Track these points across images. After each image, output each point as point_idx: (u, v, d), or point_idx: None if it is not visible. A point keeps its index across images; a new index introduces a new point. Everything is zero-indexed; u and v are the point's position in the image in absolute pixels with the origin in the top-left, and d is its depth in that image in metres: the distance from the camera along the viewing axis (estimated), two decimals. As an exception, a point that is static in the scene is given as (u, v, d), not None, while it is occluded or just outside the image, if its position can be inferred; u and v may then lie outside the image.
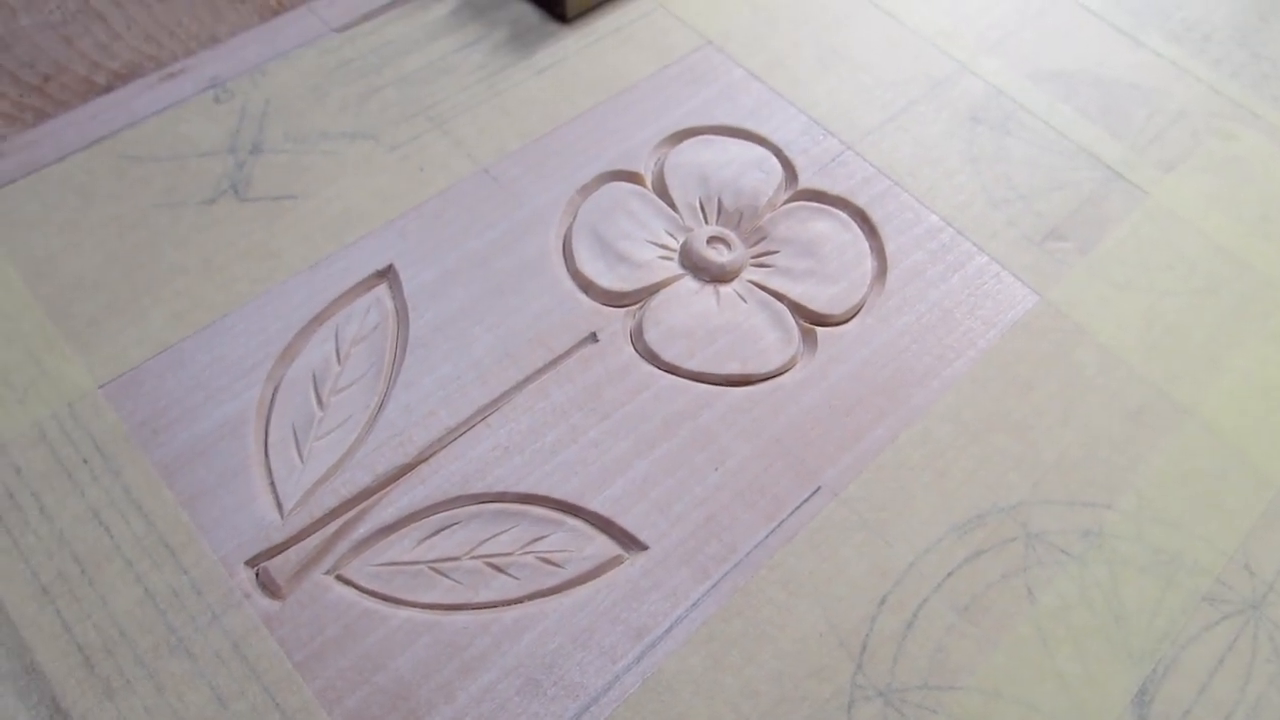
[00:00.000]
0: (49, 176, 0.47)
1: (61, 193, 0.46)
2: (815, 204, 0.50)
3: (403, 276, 0.45)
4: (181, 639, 0.35)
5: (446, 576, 0.37)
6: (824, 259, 0.48)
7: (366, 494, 0.39)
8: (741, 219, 0.49)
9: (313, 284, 0.44)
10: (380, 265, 0.45)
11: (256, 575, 0.37)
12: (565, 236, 0.48)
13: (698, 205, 0.49)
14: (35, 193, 0.46)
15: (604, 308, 0.45)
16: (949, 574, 0.39)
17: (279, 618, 0.36)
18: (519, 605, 0.37)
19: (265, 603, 0.36)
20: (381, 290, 0.45)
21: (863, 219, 0.50)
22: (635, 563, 0.38)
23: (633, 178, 0.50)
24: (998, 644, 0.38)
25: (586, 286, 0.46)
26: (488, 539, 0.39)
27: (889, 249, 0.48)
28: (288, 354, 0.43)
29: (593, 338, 0.44)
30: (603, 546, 0.39)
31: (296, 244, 0.46)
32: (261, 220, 0.46)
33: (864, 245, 0.49)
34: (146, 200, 0.46)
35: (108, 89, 0.51)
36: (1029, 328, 0.46)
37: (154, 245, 0.45)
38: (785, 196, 0.50)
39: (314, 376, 0.42)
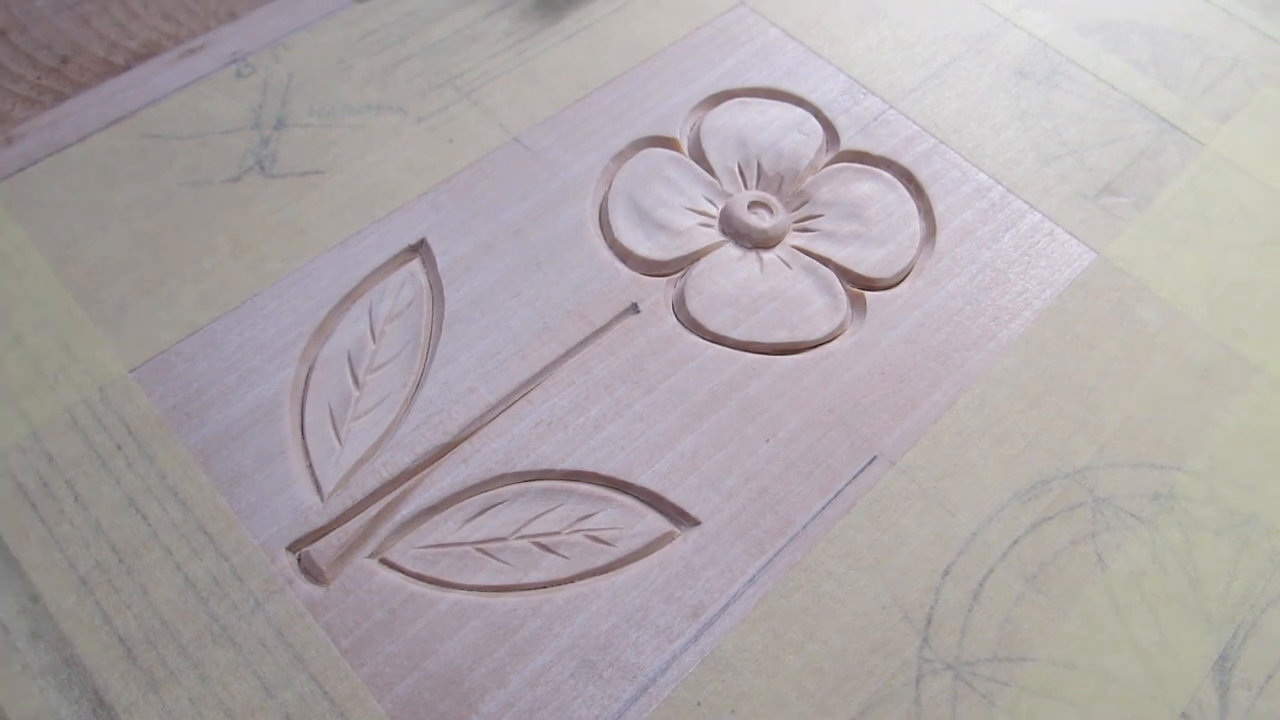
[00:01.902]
0: (70, 157, 0.46)
1: (84, 174, 0.45)
2: (858, 165, 0.48)
3: (436, 251, 0.44)
4: (225, 627, 0.34)
5: (494, 558, 0.36)
6: (870, 221, 0.46)
7: (407, 475, 0.38)
8: (782, 183, 0.47)
9: (344, 261, 0.43)
10: (413, 240, 0.44)
11: (298, 560, 0.36)
12: (601, 205, 0.46)
13: (736, 170, 0.48)
14: (57, 174, 0.45)
15: (644, 277, 0.44)
16: (1014, 542, 0.38)
17: (323, 604, 0.35)
18: (569, 585, 0.36)
19: (308, 588, 0.35)
20: (415, 265, 0.44)
21: (908, 179, 0.48)
22: (688, 539, 0.37)
23: (668, 143, 0.48)
24: (1069, 613, 0.36)
25: (625, 256, 0.44)
26: (534, 518, 0.37)
27: (937, 209, 0.47)
28: (321, 333, 0.41)
29: (634, 308, 0.42)
30: (653, 523, 0.37)
31: (326, 220, 0.44)
32: (289, 196, 0.45)
33: (911, 206, 0.47)
34: (171, 179, 0.45)
35: (126, 69, 0.50)
36: (1087, 286, 0.45)
37: (180, 225, 0.44)
38: (827, 158, 0.49)
39: (349, 355, 0.41)
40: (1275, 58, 0.54)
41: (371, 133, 0.48)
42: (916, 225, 0.46)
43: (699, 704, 0.34)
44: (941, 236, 0.46)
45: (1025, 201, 0.47)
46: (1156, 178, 0.49)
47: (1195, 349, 0.43)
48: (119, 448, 0.38)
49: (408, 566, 0.36)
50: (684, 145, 0.49)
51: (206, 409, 0.39)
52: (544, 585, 0.36)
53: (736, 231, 0.45)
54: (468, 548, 0.36)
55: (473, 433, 0.39)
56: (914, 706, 0.34)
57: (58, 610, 0.34)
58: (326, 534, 0.36)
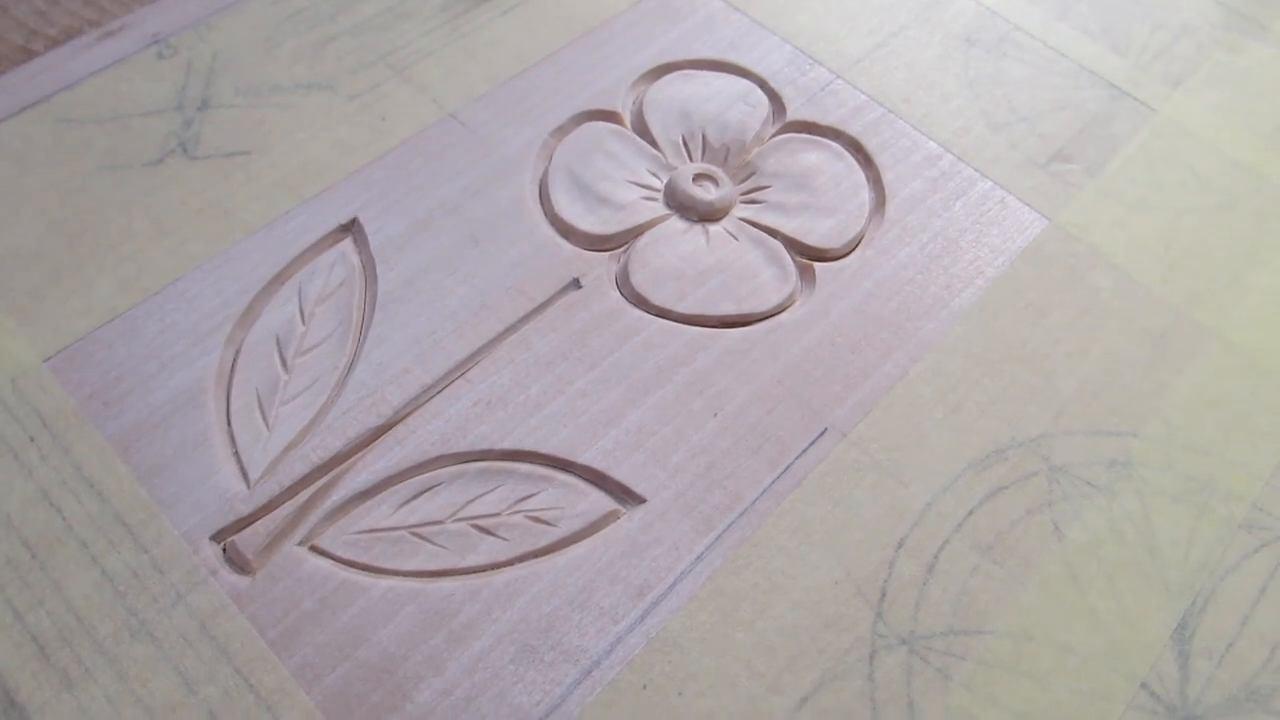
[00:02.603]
0: (-18, 143, 0.44)
1: (-3, 159, 0.43)
2: (806, 135, 0.47)
3: (368, 230, 0.42)
4: (144, 622, 0.32)
5: (430, 541, 0.35)
6: (818, 192, 0.45)
7: (339, 459, 0.36)
8: (728, 154, 0.46)
9: (271, 242, 0.41)
10: (344, 219, 0.42)
11: (223, 550, 0.34)
12: (541, 181, 0.45)
13: (681, 142, 0.46)
14: (-31, 160, 0.43)
15: (586, 252, 0.42)
16: (969, 513, 0.36)
17: (249, 594, 0.33)
18: (509, 568, 0.34)
19: (234, 579, 0.33)
20: (346, 245, 0.42)
21: (857, 149, 0.47)
22: (633, 517, 0.36)
23: (610, 117, 0.47)
24: (1026, 584, 0.35)
25: (566, 231, 0.43)
26: (473, 500, 0.36)
27: (886, 178, 0.46)
28: (247, 316, 0.40)
29: (575, 284, 0.41)
30: (597, 502, 0.36)
31: (252, 201, 0.43)
32: (213, 179, 0.43)
33: (859, 175, 0.46)
34: (88, 164, 0.43)
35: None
36: (1039, 253, 0.44)
37: (97, 210, 0.42)
38: (773, 129, 0.47)
39: (277, 339, 0.39)
40: (1225, 23, 0.53)
41: (300, 112, 0.46)
42: (865, 195, 0.45)
43: (645, 686, 0.32)
44: (891, 206, 0.45)
45: (975, 169, 0.46)
46: (1108, 144, 0.48)
47: (1150, 315, 0.42)
48: (32, 439, 0.36)
49: (339, 553, 0.34)
50: (626, 119, 0.47)
51: (125, 397, 0.37)
52: (483, 568, 0.34)
53: (681, 204, 0.44)
54: (402, 532, 0.35)
55: (408, 414, 0.37)
56: (868, 683, 0.33)
57: (-35, 608, 0.32)
58: (253, 522, 0.35)
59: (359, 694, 0.32)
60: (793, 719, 0.32)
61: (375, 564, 0.34)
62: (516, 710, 0.32)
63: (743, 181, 0.45)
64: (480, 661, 0.32)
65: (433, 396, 0.38)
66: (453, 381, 0.38)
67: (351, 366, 0.38)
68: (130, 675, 0.31)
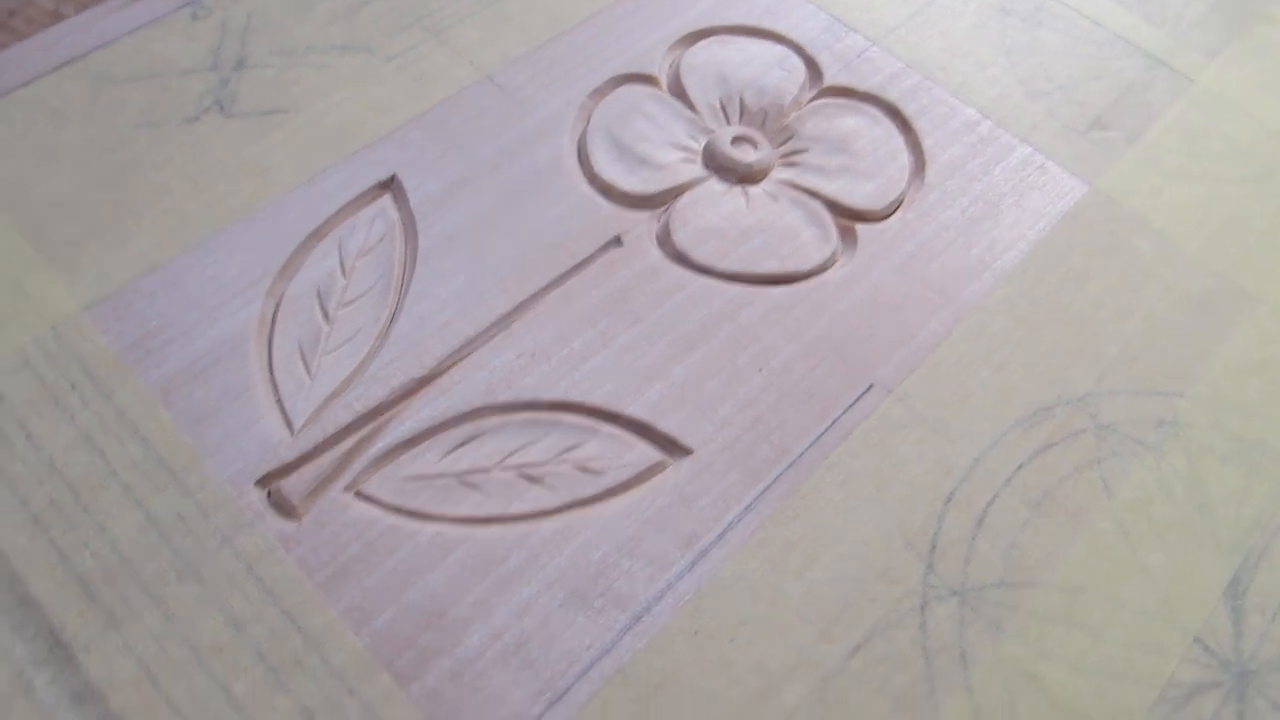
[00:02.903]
0: (16, 101, 0.43)
1: (31, 117, 0.43)
2: (843, 100, 0.47)
3: (408, 187, 0.42)
4: (189, 564, 0.32)
5: (476, 489, 0.34)
6: (857, 155, 0.44)
7: (383, 408, 0.36)
8: (766, 118, 0.46)
9: (310, 198, 0.41)
10: (382, 176, 0.42)
11: (268, 495, 0.34)
12: (580, 141, 0.44)
13: (718, 106, 0.46)
14: (3, 118, 0.43)
15: (626, 211, 0.42)
16: (1018, 468, 0.36)
17: (295, 538, 0.33)
18: (557, 515, 0.34)
19: (279, 523, 0.33)
20: (385, 202, 0.42)
21: (895, 114, 0.46)
22: (680, 468, 0.35)
23: (647, 80, 0.47)
24: (1076, 539, 0.35)
25: (606, 190, 0.42)
26: (518, 449, 0.35)
27: (925, 143, 0.45)
28: (288, 269, 0.39)
29: (617, 241, 0.41)
30: (643, 453, 0.36)
31: (290, 159, 0.42)
32: (251, 136, 0.43)
33: (898, 140, 0.45)
34: (124, 121, 0.43)
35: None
36: (1080, 218, 0.43)
37: (135, 166, 0.42)
38: (811, 94, 0.47)
39: (318, 291, 0.39)
40: (1260, -4, 0.53)
41: (337, 73, 0.46)
42: (905, 159, 0.45)
43: (696, 632, 0.32)
44: (931, 170, 0.44)
45: (1015, 136, 0.46)
46: (1145, 113, 0.48)
47: (1192, 279, 0.42)
48: (73, 386, 0.35)
49: (385, 499, 0.34)
50: (663, 82, 0.47)
51: (167, 346, 0.37)
52: (530, 516, 0.34)
53: (721, 166, 0.44)
54: (449, 479, 0.34)
55: (451, 365, 0.37)
56: (919, 632, 0.33)
57: (10, 549, 0.32)
58: (298, 468, 0.34)
59: (407, 636, 0.31)
60: (845, 666, 0.32)
61: (422, 510, 0.34)
62: (567, 654, 0.31)
63: (781, 145, 0.45)
64: (529, 607, 0.32)
65: (476, 349, 0.37)
66: (496, 335, 0.38)
67: (393, 319, 0.38)
68: (177, 615, 0.31)
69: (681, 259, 0.41)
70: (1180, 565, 0.35)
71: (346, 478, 0.34)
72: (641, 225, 0.41)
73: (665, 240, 0.41)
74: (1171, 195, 0.45)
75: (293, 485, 0.34)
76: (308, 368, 0.37)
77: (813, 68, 0.48)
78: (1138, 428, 0.38)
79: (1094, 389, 0.38)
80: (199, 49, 0.46)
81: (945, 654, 0.32)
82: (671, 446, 0.36)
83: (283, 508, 0.34)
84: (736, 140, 0.44)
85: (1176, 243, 0.43)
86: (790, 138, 0.45)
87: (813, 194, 0.43)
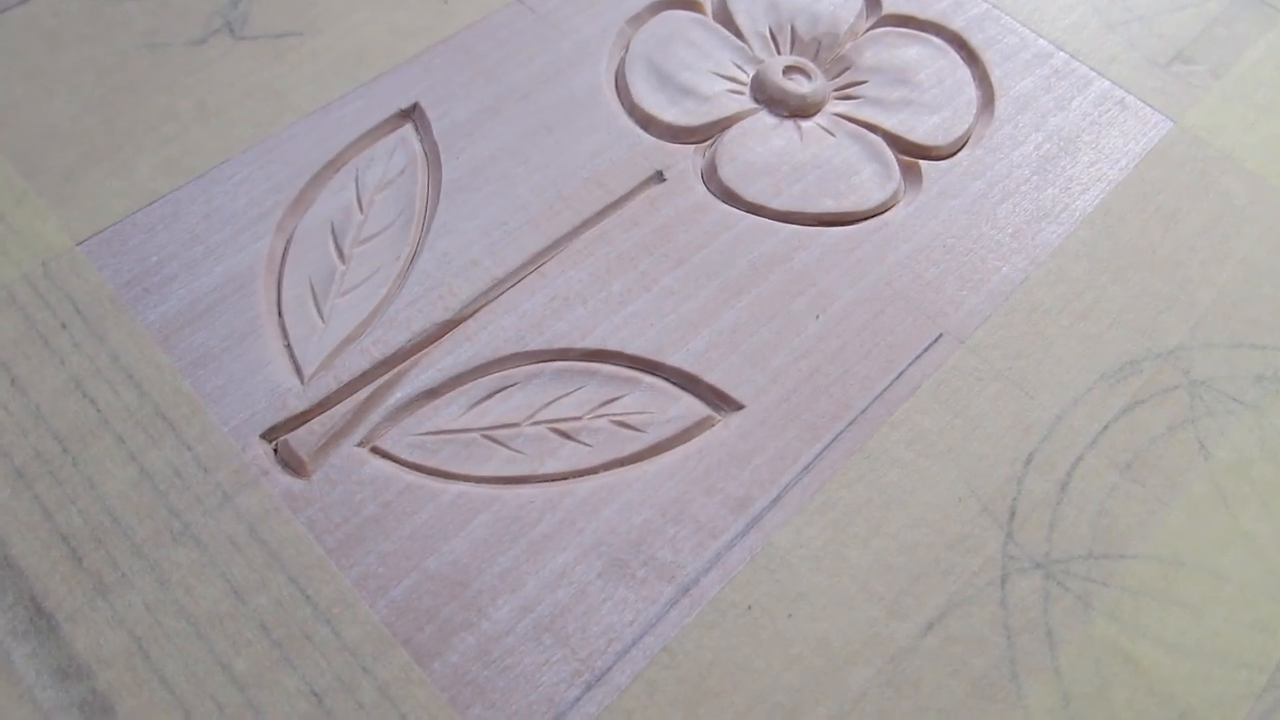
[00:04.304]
0: (10, 20, 0.40)
1: (25, 38, 0.39)
2: (904, 30, 0.43)
3: (431, 116, 0.38)
4: (187, 524, 0.29)
5: (505, 445, 0.31)
6: (920, 87, 0.41)
7: (402, 355, 0.32)
8: (820, 48, 0.42)
9: (325, 126, 0.38)
10: (404, 104, 0.39)
11: (275, 449, 0.30)
12: (618, 70, 0.41)
13: (768, 34, 0.42)
14: (-4, 35, 0.39)
15: (669, 145, 0.38)
16: (1104, 428, 0.33)
17: (304, 497, 0.29)
18: (594, 476, 0.31)
19: (286, 480, 0.30)
20: (407, 131, 0.38)
21: (960, 44, 0.43)
22: (730, 424, 0.32)
23: (690, 5, 0.43)
24: (1171, 506, 0.31)
25: (646, 122, 0.39)
26: (551, 402, 0.32)
27: (994, 75, 0.41)
28: (300, 203, 0.36)
29: (659, 176, 0.37)
30: (689, 407, 0.32)
31: (304, 84, 0.39)
32: (262, 60, 0.39)
33: (964, 72, 0.42)
34: (125, 42, 0.39)
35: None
36: (1165, 156, 0.39)
37: (136, 90, 0.38)
38: (868, 23, 0.43)
39: (332, 227, 0.35)
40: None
41: (355, -6, 0.42)
42: (972, 92, 0.41)
43: (750, 607, 0.28)
44: (1000, 104, 0.41)
45: (1092, 69, 0.42)
46: (1233, 46, 0.44)
47: (1291, 222, 0.38)
48: (64, 326, 0.32)
49: (403, 455, 0.30)
50: (708, 8, 0.43)
51: (167, 284, 0.33)
52: (564, 476, 0.31)
53: (771, 98, 0.40)
54: (474, 434, 0.31)
55: (478, 309, 0.34)
56: (1000, 609, 0.29)
57: (-11, 504, 0.29)
58: (308, 420, 0.31)
59: (428, 608, 0.28)
60: (918, 645, 0.28)
61: (444, 468, 0.30)
62: (607, 630, 0.28)
63: (836, 76, 0.41)
64: (563, 576, 0.29)
65: (505, 291, 0.34)
66: (526, 276, 0.34)
67: (415, 257, 0.35)
68: (172, 581, 0.28)
69: (729, 196, 0.37)
70: (1286, 537, 0.31)
71: (361, 431, 0.31)
72: (685, 160, 0.38)
73: (711, 176, 0.37)
74: (1264, 131, 0.41)
75: (302, 439, 0.30)
76: (320, 310, 0.33)
77: (871, -7, 0.44)
78: (1235, 384, 0.34)
79: (1186, 341, 0.35)
80: (207, -31, 0.43)
81: (1029, 633, 0.29)
82: (720, 400, 0.32)
83: (290, 463, 0.30)
84: (788, 70, 0.41)
85: (1271, 183, 0.39)
86: (846, 69, 0.41)
87: (872, 128, 0.40)
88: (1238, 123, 0.41)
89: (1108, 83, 0.42)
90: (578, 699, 0.27)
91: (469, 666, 0.27)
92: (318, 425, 0.31)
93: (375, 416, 0.31)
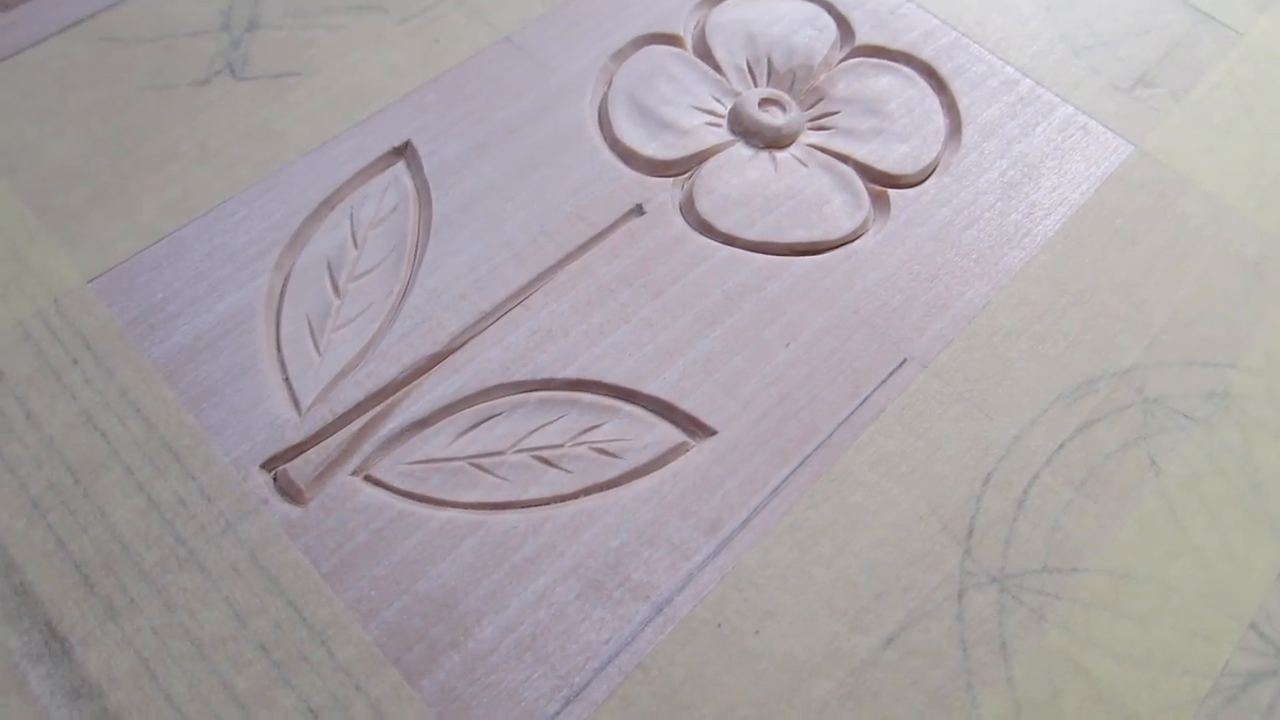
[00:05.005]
0: (23, 63, 0.42)
1: (37, 79, 0.41)
2: (876, 60, 0.45)
3: (422, 153, 0.40)
4: (191, 551, 0.31)
5: (490, 473, 0.33)
6: (890, 117, 0.42)
7: (394, 387, 0.34)
8: (795, 80, 0.44)
9: (321, 165, 0.40)
10: (396, 142, 0.40)
11: (274, 479, 0.32)
12: (601, 105, 0.42)
13: (745, 67, 0.44)
14: (7, 80, 0.41)
15: (648, 178, 0.40)
16: (1060, 446, 0.34)
17: (302, 524, 0.31)
18: (574, 501, 0.32)
19: (285, 508, 0.32)
20: (399, 169, 0.40)
21: (930, 73, 0.44)
22: (703, 449, 0.34)
23: (671, 40, 0.45)
24: (1122, 520, 0.33)
25: (628, 156, 0.41)
26: (534, 430, 0.34)
27: (962, 104, 0.43)
28: (297, 240, 0.38)
29: (638, 210, 0.39)
30: (665, 434, 0.34)
31: (302, 123, 0.41)
32: (262, 100, 0.41)
33: (933, 101, 0.43)
34: (132, 84, 0.41)
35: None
36: (1126, 179, 0.41)
37: (142, 130, 0.40)
38: (842, 54, 0.45)
39: (328, 263, 0.37)
40: (1317, -56, 0.50)
41: (351, 34, 0.44)
42: (940, 120, 0.43)
43: (720, 625, 0.30)
44: (968, 131, 0.42)
45: (1056, 94, 0.44)
46: (1193, 68, 0.45)
47: (1245, 242, 0.40)
48: (75, 362, 0.34)
49: (395, 484, 0.32)
50: (688, 43, 0.45)
51: (172, 320, 0.35)
52: (546, 501, 0.32)
53: (747, 130, 0.42)
54: (461, 463, 0.33)
55: (465, 341, 0.35)
56: (957, 623, 0.31)
57: (6, 535, 0.31)
58: (305, 450, 0.33)
59: (418, 629, 0.30)
60: (878, 658, 0.30)
61: (433, 495, 0.32)
62: (584, 648, 0.30)
63: (811, 107, 0.43)
64: (544, 598, 0.31)
65: (491, 324, 0.36)
66: (512, 309, 0.36)
67: (406, 292, 0.37)
68: (178, 605, 0.30)
69: (705, 228, 0.39)
70: (1233, 546, 0.33)
71: (355, 461, 0.33)
72: (664, 193, 0.40)
73: (689, 208, 0.39)
74: (1222, 154, 0.42)
75: (299, 468, 0.32)
76: (317, 344, 0.35)
77: (844, 26, 0.46)
78: (1187, 401, 0.36)
79: (1141, 360, 0.36)
80: (210, 9, 0.45)
81: (984, 645, 0.31)
82: (694, 427, 0.34)
83: (289, 492, 0.32)
84: (764, 103, 0.42)
85: (1227, 204, 0.41)
86: (820, 99, 0.43)
87: (843, 158, 0.41)
88: (1197, 145, 0.43)
89: (1071, 108, 0.43)
90: (557, 713, 0.29)
91: (456, 684, 0.29)
92: (314, 455, 0.33)
93: (369, 446, 0.33)
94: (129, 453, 0.32)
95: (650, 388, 0.35)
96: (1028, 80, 0.44)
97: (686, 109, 0.42)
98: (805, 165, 0.41)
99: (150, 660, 0.29)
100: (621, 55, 0.44)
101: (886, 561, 0.32)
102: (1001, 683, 0.30)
